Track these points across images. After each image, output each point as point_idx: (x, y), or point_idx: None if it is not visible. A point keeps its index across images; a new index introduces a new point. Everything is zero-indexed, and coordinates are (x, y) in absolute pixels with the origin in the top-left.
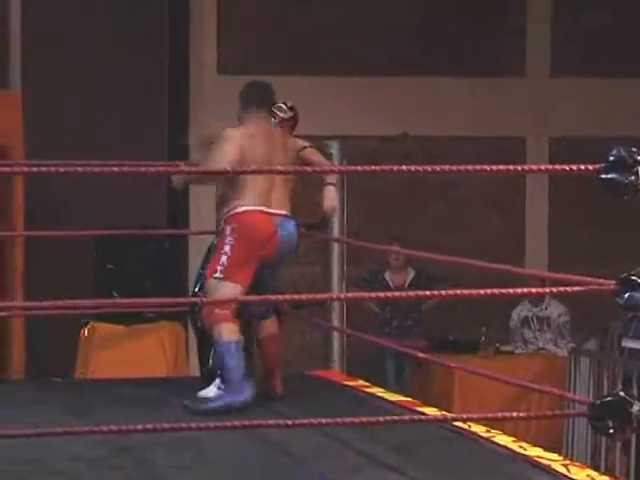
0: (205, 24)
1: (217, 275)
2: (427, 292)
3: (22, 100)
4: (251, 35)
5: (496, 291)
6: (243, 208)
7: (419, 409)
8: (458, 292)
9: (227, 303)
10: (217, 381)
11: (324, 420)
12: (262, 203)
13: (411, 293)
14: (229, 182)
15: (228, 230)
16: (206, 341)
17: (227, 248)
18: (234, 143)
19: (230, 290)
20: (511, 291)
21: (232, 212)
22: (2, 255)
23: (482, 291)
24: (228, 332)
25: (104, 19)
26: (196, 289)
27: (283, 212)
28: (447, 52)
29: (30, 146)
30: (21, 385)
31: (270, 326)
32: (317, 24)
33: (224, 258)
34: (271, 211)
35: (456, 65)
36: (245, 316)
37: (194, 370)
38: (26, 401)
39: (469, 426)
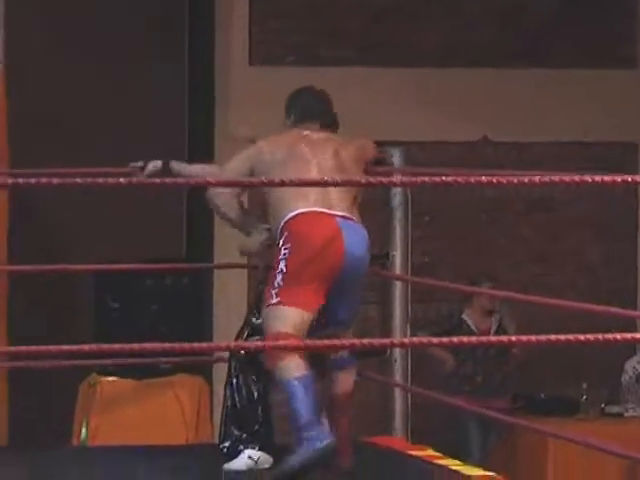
0: (235, 3)
1: (273, 301)
2: (513, 337)
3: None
4: (290, 15)
5: (609, 336)
6: (295, 212)
7: None
8: (555, 338)
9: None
10: (248, 451)
11: None
12: (319, 204)
13: (493, 338)
14: (266, 198)
15: (281, 242)
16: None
17: (282, 265)
18: (251, 156)
19: (291, 316)
20: (628, 336)
21: (284, 221)
22: None
23: (589, 336)
24: (293, 367)
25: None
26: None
27: (349, 215)
28: (540, 38)
29: (16, 151)
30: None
31: (347, 379)
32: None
33: (279, 278)
34: (332, 212)
35: (552, 54)
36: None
37: None
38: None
39: None
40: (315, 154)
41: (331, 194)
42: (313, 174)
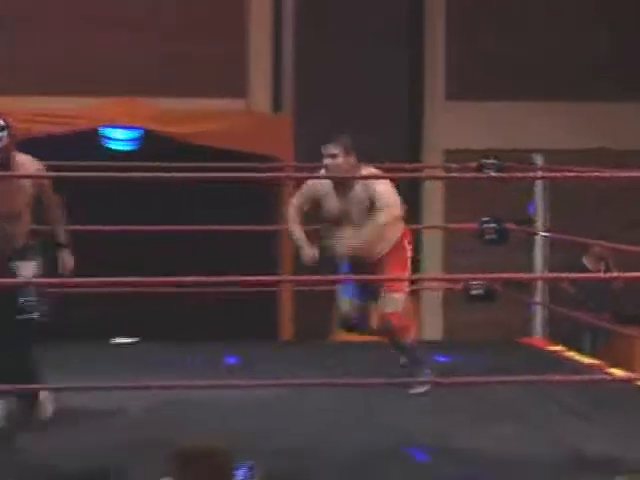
0: (436, 49)
1: (407, 289)
2: (616, 274)
3: (293, 123)
4: (473, 61)
5: None
6: (402, 227)
7: (607, 370)
8: None
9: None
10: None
11: (528, 377)
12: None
13: (601, 276)
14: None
15: (406, 243)
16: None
17: (409, 263)
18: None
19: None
20: None
21: (399, 233)
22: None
23: None
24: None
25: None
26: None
27: None
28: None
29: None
30: (289, 346)
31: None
32: (528, 50)
33: (406, 275)
34: None
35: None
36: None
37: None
38: (294, 360)
39: None
40: None
41: None
42: None
